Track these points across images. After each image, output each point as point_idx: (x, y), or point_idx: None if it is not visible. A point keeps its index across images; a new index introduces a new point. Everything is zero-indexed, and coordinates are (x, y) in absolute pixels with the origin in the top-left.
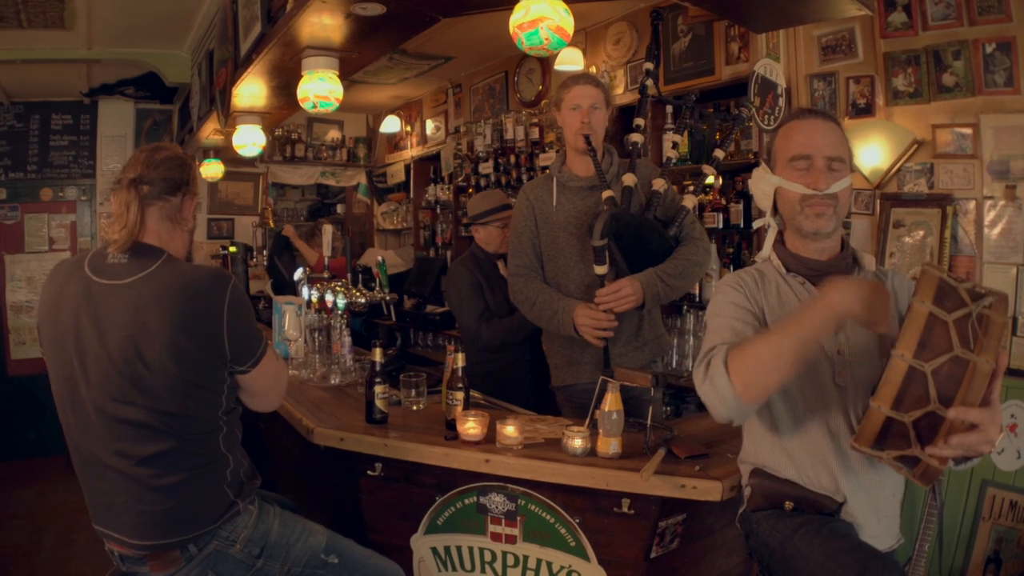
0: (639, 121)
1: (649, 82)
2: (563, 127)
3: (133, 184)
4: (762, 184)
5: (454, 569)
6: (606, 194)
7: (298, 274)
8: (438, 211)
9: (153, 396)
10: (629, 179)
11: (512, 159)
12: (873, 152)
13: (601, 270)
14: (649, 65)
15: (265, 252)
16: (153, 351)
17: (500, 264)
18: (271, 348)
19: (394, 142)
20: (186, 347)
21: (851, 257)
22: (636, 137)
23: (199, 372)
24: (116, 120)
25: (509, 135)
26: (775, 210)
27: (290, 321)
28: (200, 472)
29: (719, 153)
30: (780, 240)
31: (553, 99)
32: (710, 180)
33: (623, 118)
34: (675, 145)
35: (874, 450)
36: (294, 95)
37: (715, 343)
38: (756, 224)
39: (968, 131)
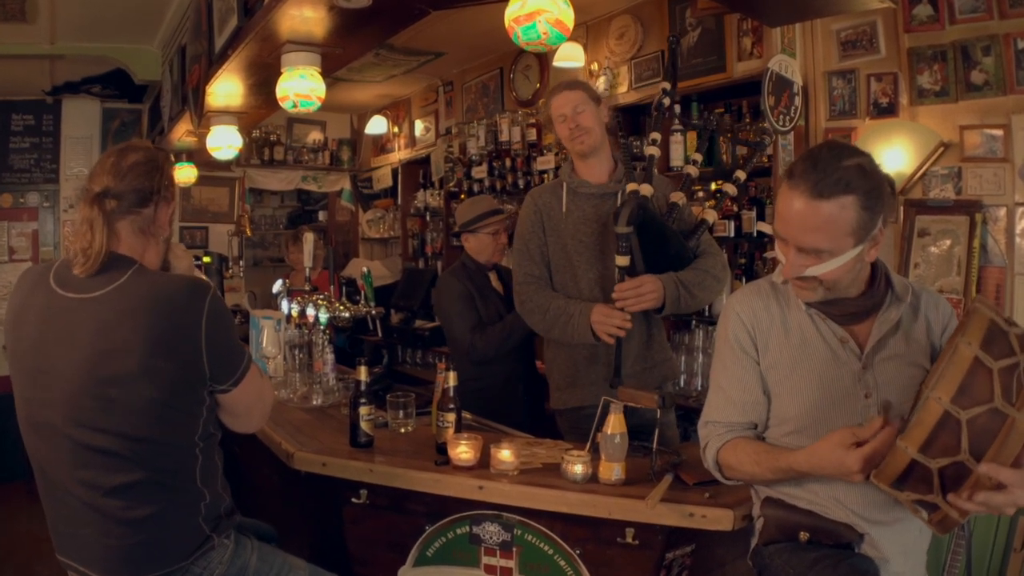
0: (655, 135)
1: (666, 100)
2: (559, 137)
3: (98, 200)
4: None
5: None
6: (631, 186)
7: (277, 286)
8: (428, 219)
9: (122, 421)
10: (645, 189)
11: (507, 162)
12: (896, 155)
13: (623, 261)
14: (666, 85)
15: (242, 263)
16: (124, 371)
17: (492, 275)
18: (254, 364)
19: (380, 144)
20: (161, 366)
21: (883, 287)
22: (652, 150)
23: (175, 393)
24: (81, 120)
25: (504, 137)
26: None
27: (268, 337)
28: (173, 505)
29: (740, 174)
30: None
31: (544, 115)
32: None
33: (629, 119)
34: (695, 162)
35: (892, 488)
36: (273, 94)
37: (712, 416)
38: (771, 254)
39: (999, 132)
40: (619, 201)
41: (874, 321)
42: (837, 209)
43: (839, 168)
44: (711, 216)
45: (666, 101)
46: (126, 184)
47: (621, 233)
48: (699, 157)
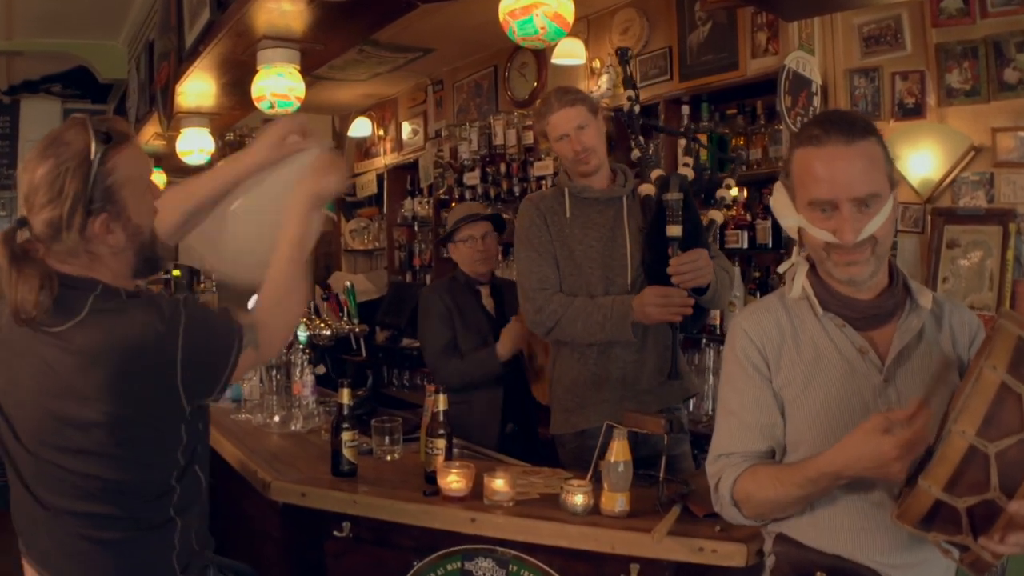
0: (640, 139)
1: (636, 108)
2: (559, 156)
3: (6, 242)
4: (785, 214)
5: None
6: (655, 173)
7: (252, 302)
8: (416, 229)
9: (88, 465)
10: (647, 188)
11: (502, 168)
12: (923, 160)
13: (675, 230)
14: (631, 93)
15: (214, 276)
16: (85, 422)
17: (484, 291)
18: (244, 351)
19: (364, 148)
20: (127, 415)
21: (902, 291)
22: (637, 152)
23: (147, 443)
24: (41, 122)
25: (499, 140)
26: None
27: None
28: (143, 535)
29: (730, 182)
30: (814, 268)
31: (537, 128)
32: (733, 192)
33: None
34: (687, 164)
35: (918, 529)
36: (248, 93)
37: (725, 447)
38: (782, 268)
39: None
40: (625, 205)
41: (895, 329)
42: (871, 147)
43: (852, 116)
44: (719, 217)
45: (636, 108)
46: (35, 215)
47: (672, 200)
48: (690, 160)
